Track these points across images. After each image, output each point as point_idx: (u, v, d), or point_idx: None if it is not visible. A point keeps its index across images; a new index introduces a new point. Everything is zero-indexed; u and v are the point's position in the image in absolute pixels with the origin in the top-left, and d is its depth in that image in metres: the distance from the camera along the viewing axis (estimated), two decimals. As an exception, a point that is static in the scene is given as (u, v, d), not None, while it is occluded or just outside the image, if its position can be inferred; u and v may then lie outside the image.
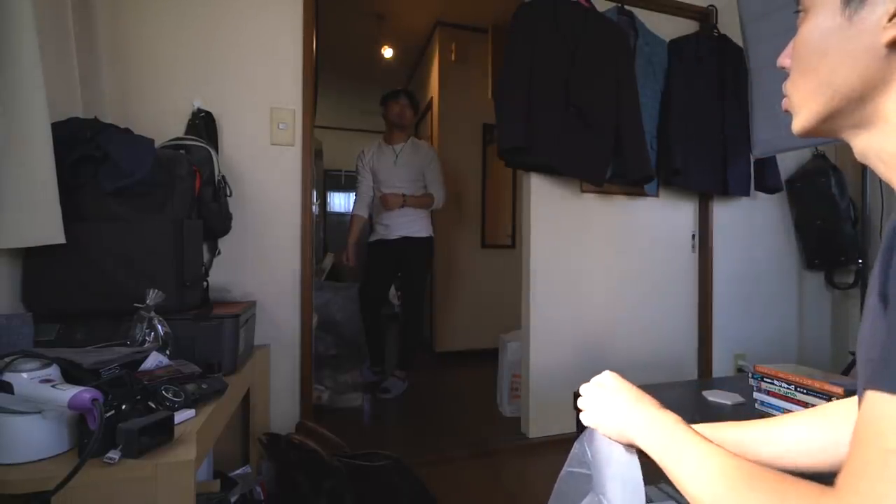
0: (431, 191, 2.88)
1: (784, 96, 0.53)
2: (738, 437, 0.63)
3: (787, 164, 2.58)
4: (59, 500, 0.70)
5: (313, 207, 1.84)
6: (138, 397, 0.85)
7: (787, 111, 0.53)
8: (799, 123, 0.51)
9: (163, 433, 0.81)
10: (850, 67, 0.44)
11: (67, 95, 1.28)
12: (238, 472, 1.48)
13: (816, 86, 0.47)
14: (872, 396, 0.36)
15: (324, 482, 1.37)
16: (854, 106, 0.45)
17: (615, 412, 0.59)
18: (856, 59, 0.44)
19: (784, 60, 0.53)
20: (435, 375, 3.34)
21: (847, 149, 0.52)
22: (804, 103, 0.49)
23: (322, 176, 5.81)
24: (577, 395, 0.69)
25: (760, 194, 2.54)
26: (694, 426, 0.64)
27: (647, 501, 0.76)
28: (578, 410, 0.65)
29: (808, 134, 0.51)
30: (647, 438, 0.55)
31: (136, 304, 1.07)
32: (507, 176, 3.80)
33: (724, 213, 2.50)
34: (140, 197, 1.19)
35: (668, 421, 0.54)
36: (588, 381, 0.66)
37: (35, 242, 1.03)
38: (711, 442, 0.50)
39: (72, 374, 0.84)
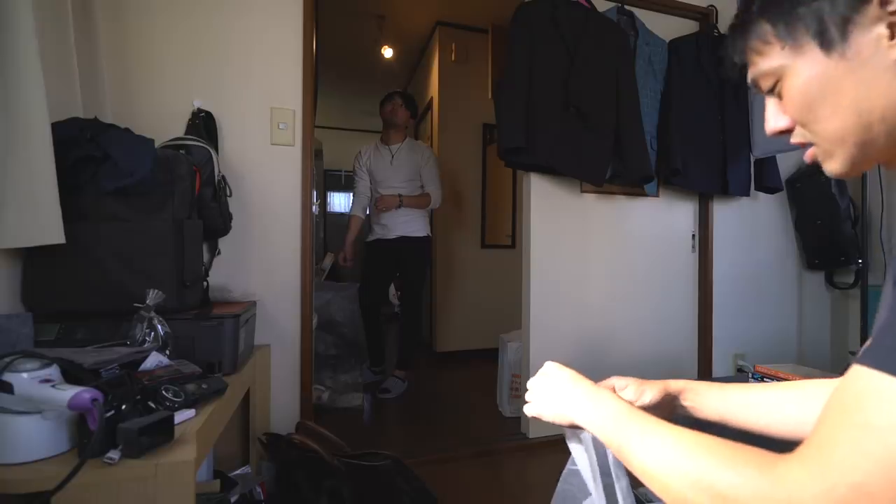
0: (428, 190, 2.88)
1: (799, 147, 0.53)
2: (718, 401, 0.66)
3: (787, 164, 2.58)
4: (59, 500, 0.69)
5: (313, 207, 1.84)
6: (138, 397, 0.85)
7: (814, 161, 0.52)
8: (838, 165, 0.49)
9: (163, 433, 0.81)
10: (872, 92, 0.44)
11: (67, 95, 1.28)
12: (238, 472, 1.48)
13: (845, 122, 0.46)
14: (857, 370, 0.36)
15: (324, 482, 1.37)
16: (893, 125, 0.45)
17: (555, 397, 0.62)
18: (874, 84, 0.44)
19: (780, 124, 0.53)
20: (435, 375, 3.34)
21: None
22: (838, 144, 0.48)
23: (322, 176, 5.81)
24: None
25: (760, 194, 2.54)
26: (675, 380, 0.69)
27: (647, 501, 0.76)
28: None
29: (854, 171, 0.49)
30: (586, 416, 0.57)
31: (136, 304, 1.07)
32: (507, 176, 3.80)
33: (724, 213, 2.50)
34: (140, 197, 1.18)
35: (606, 397, 0.57)
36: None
37: (35, 242, 1.03)
38: (650, 415, 0.52)
39: (72, 374, 0.84)
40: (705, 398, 0.67)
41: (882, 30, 0.43)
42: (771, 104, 0.53)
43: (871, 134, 0.46)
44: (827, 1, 0.45)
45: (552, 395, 0.63)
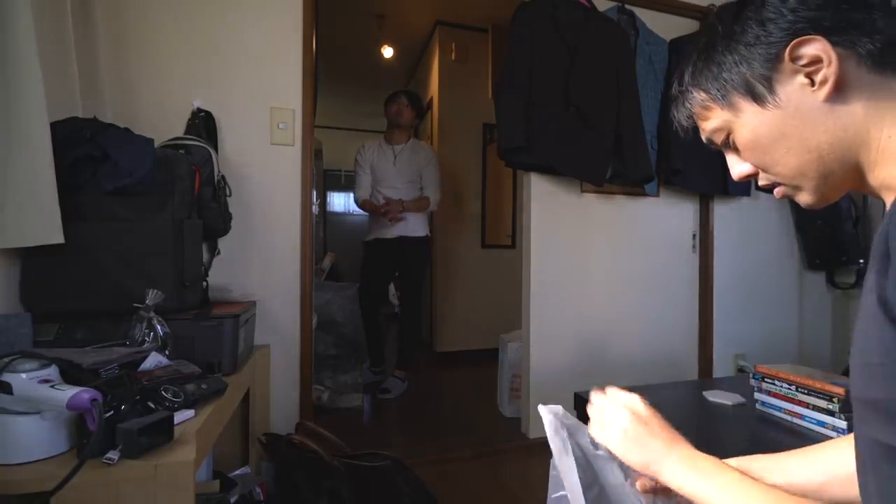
0: (427, 193, 2.89)
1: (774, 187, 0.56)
2: (772, 469, 0.62)
3: (788, 163, 2.57)
4: (59, 500, 0.69)
5: (313, 207, 1.84)
6: (138, 397, 0.85)
7: (785, 197, 0.56)
8: (808, 196, 0.53)
9: (162, 433, 0.81)
10: (814, 130, 0.48)
11: (67, 95, 1.28)
12: (238, 472, 1.48)
13: (800, 159, 0.50)
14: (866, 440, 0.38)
15: (324, 482, 1.37)
16: (843, 154, 0.48)
17: (648, 448, 0.57)
18: (813, 123, 0.48)
19: (744, 170, 0.56)
20: (435, 375, 3.34)
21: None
22: (801, 179, 0.52)
23: (322, 176, 5.80)
24: (578, 396, 0.68)
25: (761, 194, 2.54)
26: (729, 460, 0.62)
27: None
28: (587, 417, 0.63)
29: (824, 199, 0.53)
30: (674, 477, 0.55)
31: (135, 304, 1.07)
32: (507, 176, 3.80)
33: (725, 213, 2.49)
34: (140, 197, 1.18)
35: (708, 464, 0.55)
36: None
37: (34, 242, 1.03)
38: (754, 479, 0.51)
39: (71, 375, 0.84)
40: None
41: (802, 79, 0.47)
42: (730, 156, 0.57)
43: (825, 165, 0.49)
44: (745, 65, 0.50)
45: (644, 445, 0.58)
